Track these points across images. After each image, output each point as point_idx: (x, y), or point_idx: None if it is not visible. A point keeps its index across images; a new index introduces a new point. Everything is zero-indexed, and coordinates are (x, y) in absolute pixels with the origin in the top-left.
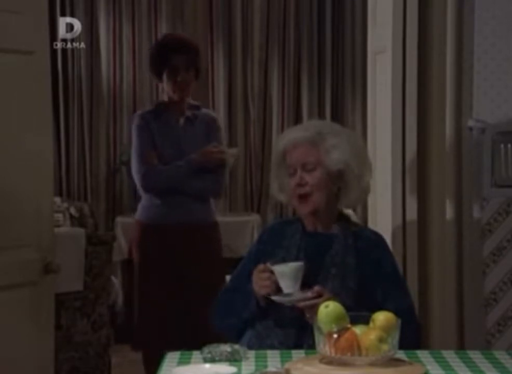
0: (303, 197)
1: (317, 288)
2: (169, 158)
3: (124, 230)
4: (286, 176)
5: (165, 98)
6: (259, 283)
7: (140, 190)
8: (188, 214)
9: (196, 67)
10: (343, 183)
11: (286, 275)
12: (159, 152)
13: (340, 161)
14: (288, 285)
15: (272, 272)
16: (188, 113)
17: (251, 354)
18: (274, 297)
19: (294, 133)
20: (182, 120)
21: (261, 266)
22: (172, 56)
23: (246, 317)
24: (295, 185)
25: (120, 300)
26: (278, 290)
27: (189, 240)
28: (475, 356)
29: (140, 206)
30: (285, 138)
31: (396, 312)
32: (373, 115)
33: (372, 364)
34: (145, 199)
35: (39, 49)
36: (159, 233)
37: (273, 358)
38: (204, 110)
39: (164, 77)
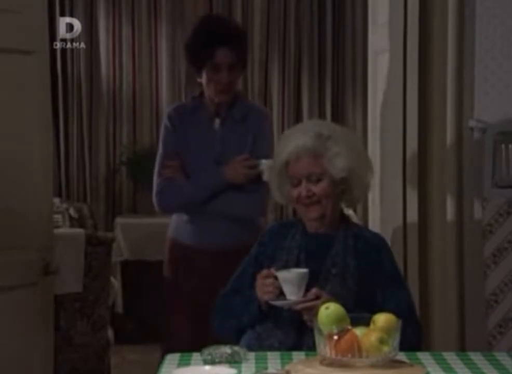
0: (310, 204)
1: (314, 290)
2: (196, 169)
3: (124, 231)
4: (288, 184)
5: (206, 93)
6: (262, 289)
7: (156, 208)
8: (219, 234)
9: (243, 60)
10: (347, 185)
11: (290, 281)
12: (185, 161)
13: (344, 169)
14: (292, 292)
15: (276, 278)
16: (227, 112)
17: (251, 355)
18: (272, 302)
19: (295, 142)
20: (217, 121)
21: (265, 272)
22: (217, 50)
23: (246, 321)
24: (299, 195)
25: (119, 301)
26: (281, 294)
27: (219, 265)
28: (476, 357)
29: (171, 220)
30: (286, 148)
31: (397, 312)
32: (373, 115)
33: (373, 365)
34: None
35: (39, 49)
36: (186, 254)
37: (273, 359)
38: (251, 104)
39: (204, 75)
